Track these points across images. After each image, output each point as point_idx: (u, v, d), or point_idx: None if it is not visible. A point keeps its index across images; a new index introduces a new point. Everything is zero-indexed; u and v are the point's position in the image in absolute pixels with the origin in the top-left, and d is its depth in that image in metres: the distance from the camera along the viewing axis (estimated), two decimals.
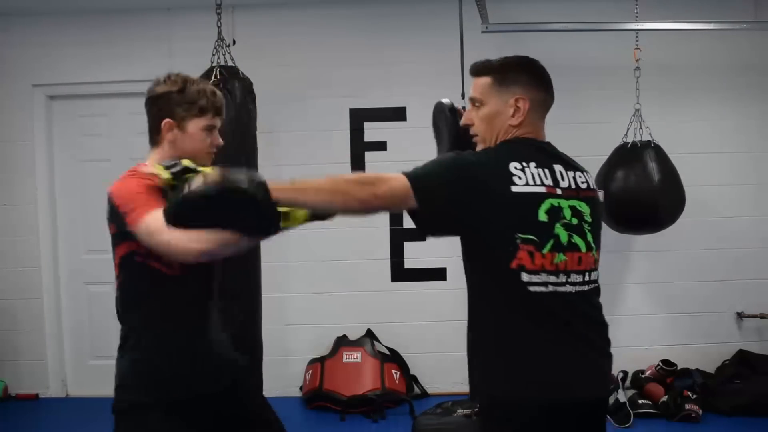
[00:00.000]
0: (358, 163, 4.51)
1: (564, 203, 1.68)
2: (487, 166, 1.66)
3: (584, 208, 1.72)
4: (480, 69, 1.81)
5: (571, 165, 1.77)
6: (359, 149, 4.53)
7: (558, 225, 1.67)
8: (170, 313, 1.87)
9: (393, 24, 4.49)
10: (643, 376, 4.15)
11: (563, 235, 1.67)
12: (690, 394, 3.95)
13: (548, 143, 1.80)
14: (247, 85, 3.57)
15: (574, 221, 1.69)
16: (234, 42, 3.81)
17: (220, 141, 1.98)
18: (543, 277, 1.64)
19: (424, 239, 1.84)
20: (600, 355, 1.76)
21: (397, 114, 4.51)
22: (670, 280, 4.45)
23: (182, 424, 1.85)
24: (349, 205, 1.65)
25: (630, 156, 3.86)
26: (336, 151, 4.51)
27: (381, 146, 4.50)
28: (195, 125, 1.91)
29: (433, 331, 4.49)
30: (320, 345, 4.46)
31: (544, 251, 1.64)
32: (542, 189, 1.66)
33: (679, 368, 4.14)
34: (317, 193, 1.64)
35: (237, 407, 1.99)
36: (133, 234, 1.76)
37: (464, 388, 4.01)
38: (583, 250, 1.70)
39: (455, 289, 4.30)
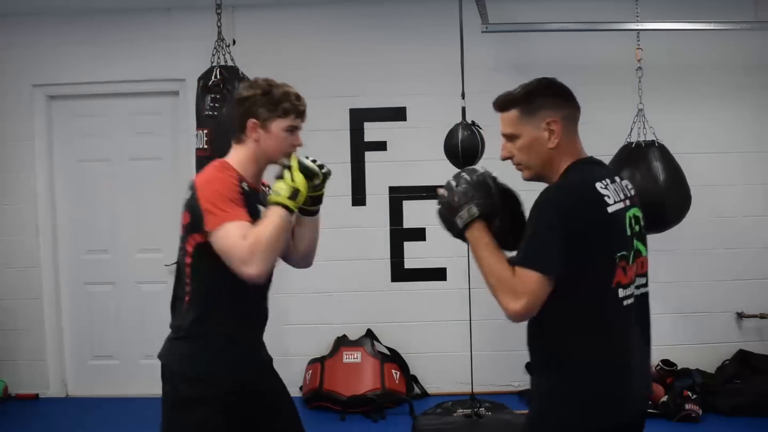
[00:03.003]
0: (358, 163, 4.51)
1: (631, 213, 1.75)
2: (578, 196, 1.68)
3: (639, 214, 1.80)
4: (503, 104, 1.80)
5: (620, 175, 1.83)
6: (359, 149, 4.53)
7: (634, 235, 1.74)
8: (238, 303, 2.05)
9: (393, 24, 4.49)
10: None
11: (637, 244, 1.74)
12: (690, 394, 3.95)
13: (597, 159, 1.84)
14: None
15: (638, 228, 1.77)
16: (234, 42, 3.81)
17: (301, 141, 2.13)
18: (631, 290, 1.70)
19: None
20: (649, 356, 1.84)
21: (397, 114, 4.50)
22: (670, 280, 4.45)
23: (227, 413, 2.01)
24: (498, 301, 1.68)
25: (634, 155, 3.84)
26: (336, 151, 4.51)
27: (381, 146, 4.50)
28: (278, 126, 2.05)
29: (433, 331, 4.49)
30: (320, 345, 4.46)
31: (631, 264, 1.70)
32: (622, 204, 1.72)
33: (679, 368, 4.14)
34: (481, 268, 1.72)
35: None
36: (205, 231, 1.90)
37: (464, 388, 4.02)
38: (644, 254, 1.79)
39: (455, 289, 4.34)
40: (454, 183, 1.80)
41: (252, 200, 2.02)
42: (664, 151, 3.84)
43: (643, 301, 1.77)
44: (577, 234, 1.62)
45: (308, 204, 2.14)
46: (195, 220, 1.93)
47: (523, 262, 1.64)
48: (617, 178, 1.78)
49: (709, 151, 4.42)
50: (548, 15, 4.32)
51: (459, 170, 1.85)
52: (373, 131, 4.52)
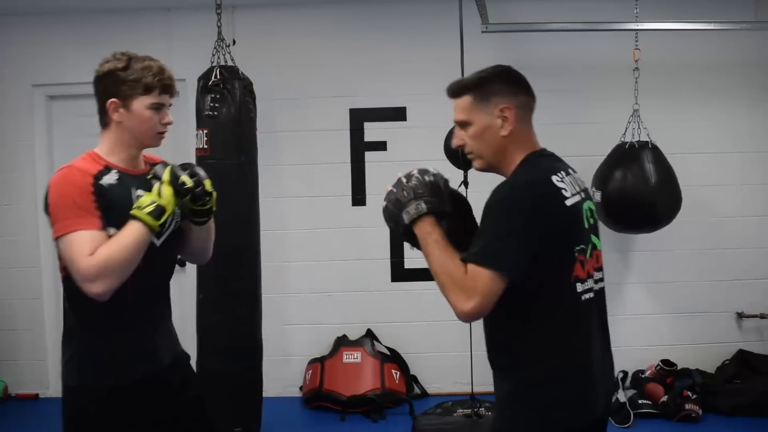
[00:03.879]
0: (358, 163, 4.51)
1: (586, 206, 1.72)
2: (535, 190, 1.63)
3: (593, 207, 1.77)
4: (457, 89, 1.76)
5: (572, 168, 1.79)
6: (359, 149, 4.53)
7: (590, 229, 1.72)
8: (127, 302, 1.86)
9: (393, 24, 4.49)
10: (643, 376, 4.15)
11: (593, 238, 1.72)
12: (690, 394, 3.95)
13: (550, 151, 1.80)
14: (247, 85, 3.58)
15: (592, 221, 1.74)
16: (234, 42, 3.81)
17: (170, 119, 1.93)
18: (589, 284, 1.68)
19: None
20: (611, 356, 1.82)
21: (397, 114, 4.51)
22: (670, 280, 4.45)
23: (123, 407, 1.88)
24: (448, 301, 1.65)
25: (628, 156, 3.86)
26: (336, 151, 4.51)
27: (381, 146, 4.50)
28: (140, 104, 1.87)
29: (433, 331, 4.49)
30: (320, 345, 4.46)
31: (587, 257, 1.68)
32: (578, 197, 1.69)
33: (679, 368, 4.14)
34: (431, 266, 1.68)
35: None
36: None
37: (464, 388, 4.01)
38: (599, 247, 1.76)
39: None
40: (404, 180, 1.76)
41: (123, 187, 1.85)
42: (657, 153, 3.86)
43: (600, 295, 1.75)
44: (536, 230, 1.58)
45: (193, 215, 1.97)
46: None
47: (475, 259, 1.58)
48: (570, 171, 1.75)
49: (709, 151, 4.42)
50: (548, 15, 4.32)
51: (411, 169, 1.80)
52: (373, 131, 4.52)
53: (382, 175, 4.48)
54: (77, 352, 1.91)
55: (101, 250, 1.73)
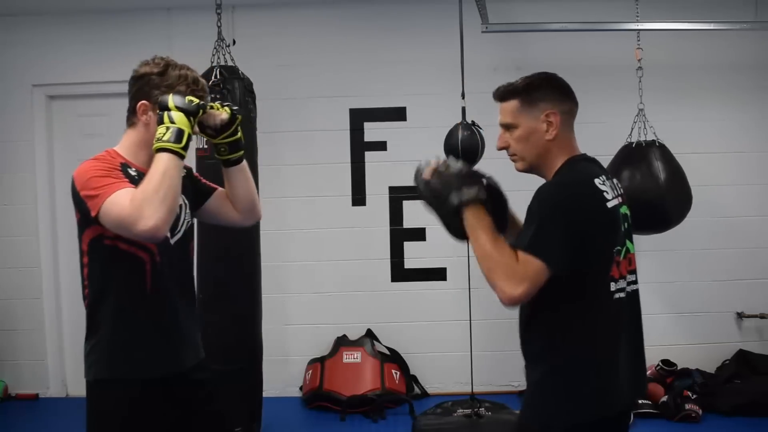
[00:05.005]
0: (358, 163, 4.51)
1: (623, 210, 1.79)
2: (581, 191, 1.70)
3: (628, 212, 1.83)
4: (505, 93, 1.83)
5: (610, 174, 1.86)
6: (359, 149, 4.53)
7: (625, 233, 1.78)
8: (140, 298, 1.87)
9: (393, 24, 4.49)
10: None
11: (627, 241, 1.78)
12: (690, 394, 3.95)
13: (591, 156, 1.86)
14: (247, 85, 3.57)
15: (626, 225, 1.80)
16: (234, 42, 3.81)
17: (197, 129, 1.93)
18: (621, 284, 1.73)
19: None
20: (643, 354, 1.86)
21: (397, 114, 4.51)
22: (670, 280, 4.45)
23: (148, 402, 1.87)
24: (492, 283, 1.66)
25: (635, 155, 3.84)
26: (336, 151, 4.51)
27: (381, 146, 4.50)
28: None
29: (433, 331, 4.49)
30: (320, 345, 4.46)
31: (622, 258, 1.74)
32: (617, 201, 1.75)
33: (679, 368, 4.14)
34: (478, 250, 1.69)
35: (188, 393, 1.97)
36: (94, 220, 1.76)
37: (464, 388, 4.01)
38: (633, 251, 1.83)
39: (455, 289, 4.34)
40: (453, 163, 1.79)
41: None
42: (664, 151, 3.83)
43: (634, 297, 1.81)
44: (579, 230, 1.65)
45: (226, 153, 2.00)
46: (82, 214, 1.81)
47: (527, 248, 1.64)
48: (609, 176, 1.82)
49: (709, 151, 4.41)
50: (548, 15, 4.32)
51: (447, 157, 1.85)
52: (373, 131, 4.52)
53: (382, 175, 4.50)
54: (96, 345, 1.90)
55: (136, 191, 1.73)
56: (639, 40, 3.94)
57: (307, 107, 4.51)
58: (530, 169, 1.84)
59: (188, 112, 1.80)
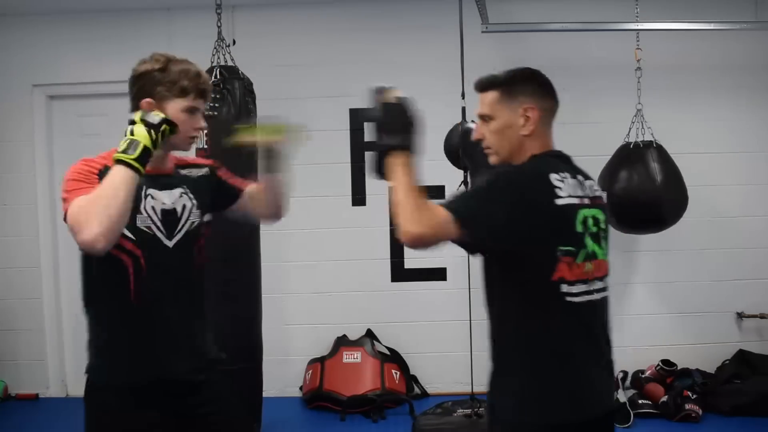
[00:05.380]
0: (358, 163, 4.51)
1: (588, 213, 1.73)
2: (530, 180, 1.68)
3: (600, 216, 1.78)
4: (486, 84, 1.81)
5: (585, 174, 1.82)
6: (359, 149, 4.52)
7: (587, 235, 1.71)
8: (122, 304, 1.83)
9: (393, 24, 4.49)
10: (643, 376, 4.15)
11: (590, 245, 1.72)
12: (690, 394, 3.95)
13: (565, 153, 1.83)
14: (247, 85, 3.57)
15: (595, 229, 1.74)
16: (234, 42, 3.81)
17: (202, 124, 1.92)
18: (579, 287, 1.68)
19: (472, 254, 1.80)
20: (611, 362, 1.81)
21: None
22: (670, 280, 4.45)
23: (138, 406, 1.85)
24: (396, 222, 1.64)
25: (632, 156, 3.85)
26: (336, 151, 4.51)
27: None
28: (175, 106, 1.85)
29: (433, 331, 4.49)
30: (320, 345, 4.46)
31: (579, 261, 1.68)
32: (576, 200, 1.70)
33: (679, 368, 4.13)
34: (395, 194, 1.65)
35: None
36: None
37: (464, 388, 4.01)
38: (601, 257, 1.76)
39: (455, 289, 4.33)
40: (400, 101, 1.74)
41: (148, 185, 1.84)
42: (661, 152, 3.85)
43: (600, 304, 1.75)
44: (515, 216, 1.61)
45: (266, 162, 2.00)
46: None
47: (445, 203, 1.63)
48: (581, 177, 1.77)
49: (709, 151, 4.41)
50: (548, 15, 4.32)
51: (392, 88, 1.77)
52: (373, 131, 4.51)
53: None
54: (88, 350, 1.90)
55: (83, 200, 1.67)
56: (638, 41, 3.95)
57: (307, 107, 4.51)
58: (504, 163, 1.81)
59: (150, 125, 1.75)
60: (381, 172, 1.71)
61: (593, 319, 1.74)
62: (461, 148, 3.60)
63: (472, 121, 3.74)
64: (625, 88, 4.02)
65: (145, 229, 1.83)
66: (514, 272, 1.68)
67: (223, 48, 3.61)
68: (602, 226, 1.77)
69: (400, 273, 4.54)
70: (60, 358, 4.63)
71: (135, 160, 1.69)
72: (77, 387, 4.61)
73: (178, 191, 1.92)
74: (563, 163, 1.78)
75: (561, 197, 1.66)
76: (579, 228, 1.69)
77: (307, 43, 4.50)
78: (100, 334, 1.87)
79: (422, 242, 1.61)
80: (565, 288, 1.66)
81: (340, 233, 4.52)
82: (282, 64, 4.46)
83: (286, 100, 4.45)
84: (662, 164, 3.80)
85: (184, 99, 1.86)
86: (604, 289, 1.77)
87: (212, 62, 3.58)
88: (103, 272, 1.83)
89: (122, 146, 1.71)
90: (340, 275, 4.53)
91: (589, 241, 1.71)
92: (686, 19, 3.96)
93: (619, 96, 4.13)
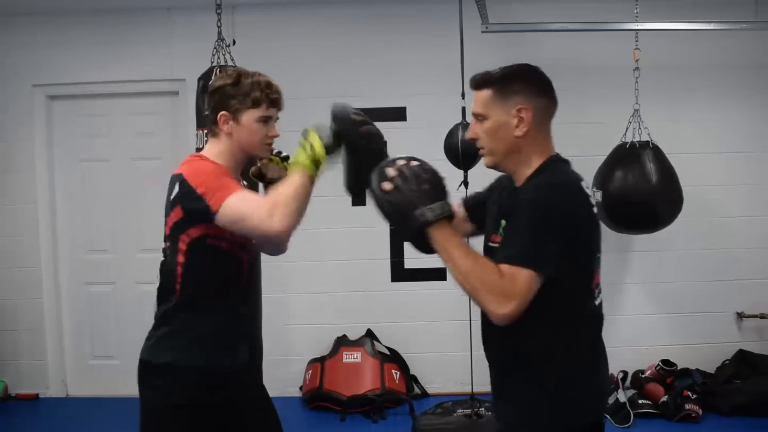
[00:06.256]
0: None
1: None
2: (574, 198, 1.63)
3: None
4: (479, 82, 1.73)
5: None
6: None
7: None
8: (237, 294, 2.01)
9: (393, 24, 4.49)
10: (643, 376, 4.15)
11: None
12: (690, 394, 3.95)
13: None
14: None
15: None
16: (234, 42, 3.81)
17: (277, 132, 2.06)
18: (599, 289, 1.72)
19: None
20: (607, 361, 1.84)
21: (397, 114, 4.50)
22: (670, 280, 4.45)
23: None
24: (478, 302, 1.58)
25: (628, 156, 3.86)
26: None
27: None
28: (249, 117, 1.97)
29: (433, 331, 4.49)
30: (320, 345, 4.46)
31: (599, 266, 1.71)
32: (596, 207, 1.72)
33: (679, 368, 4.14)
34: (456, 270, 1.58)
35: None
36: (209, 216, 1.83)
37: (464, 388, 4.01)
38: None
39: (455, 289, 4.29)
40: (415, 169, 1.62)
41: None
42: (657, 152, 3.85)
43: (601, 306, 1.78)
44: (572, 235, 1.59)
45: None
46: (190, 213, 1.88)
47: (514, 261, 1.54)
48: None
49: (709, 152, 4.41)
50: (548, 15, 4.32)
51: (397, 158, 1.67)
52: None
53: None
54: (176, 333, 1.97)
55: (273, 195, 1.86)
56: (637, 41, 3.95)
57: (306, 107, 4.49)
58: (498, 165, 1.75)
59: (328, 149, 1.93)
60: (427, 251, 1.69)
61: (600, 322, 1.77)
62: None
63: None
64: (623, 88, 4.02)
65: None
66: (562, 285, 1.60)
67: (223, 48, 3.61)
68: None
69: (400, 273, 4.54)
70: (60, 358, 4.63)
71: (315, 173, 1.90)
72: (77, 387, 4.64)
73: None
74: (573, 168, 1.75)
75: (593, 205, 1.67)
76: (600, 233, 1.72)
77: (307, 44, 4.50)
78: (204, 322, 1.96)
79: (519, 314, 1.54)
80: (596, 294, 1.69)
81: (340, 233, 4.52)
82: (282, 64, 4.44)
83: (286, 100, 4.44)
84: (658, 165, 3.81)
85: (257, 109, 1.99)
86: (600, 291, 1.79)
87: (212, 62, 3.58)
88: (219, 266, 1.96)
89: (305, 159, 1.88)
90: (340, 275, 4.53)
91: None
92: (686, 19, 3.95)
93: (616, 96, 4.13)
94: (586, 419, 1.70)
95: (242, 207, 1.82)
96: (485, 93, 1.72)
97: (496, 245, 1.69)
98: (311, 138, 1.91)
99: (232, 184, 1.87)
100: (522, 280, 1.53)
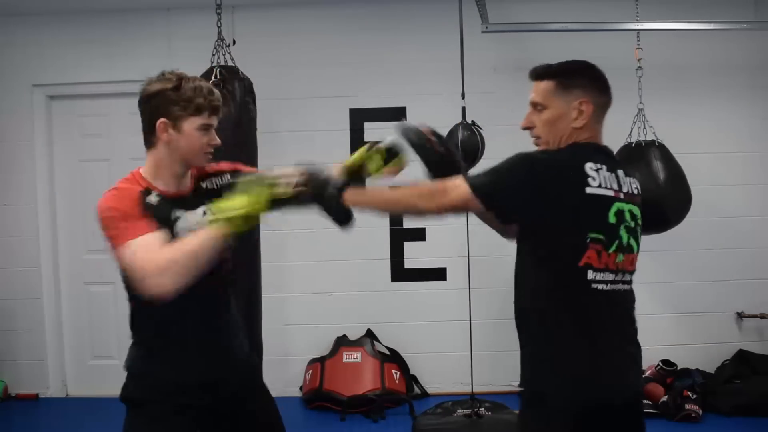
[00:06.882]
0: None
1: (625, 207, 1.76)
2: (562, 164, 1.69)
3: (637, 212, 1.82)
4: (542, 73, 1.83)
5: (627, 171, 1.84)
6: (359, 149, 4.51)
7: (622, 227, 1.74)
8: (184, 312, 1.91)
9: (393, 24, 4.49)
10: (643, 376, 4.14)
11: (625, 237, 1.75)
12: (690, 394, 3.95)
13: (609, 148, 1.86)
14: (247, 85, 3.57)
15: (632, 224, 1.78)
16: (234, 42, 3.81)
17: (218, 141, 1.93)
18: (605, 276, 1.71)
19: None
20: (638, 350, 1.87)
21: (397, 114, 4.49)
22: (670, 280, 4.45)
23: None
24: (416, 215, 1.76)
25: (634, 155, 3.84)
26: (336, 151, 4.50)
27: None
28: (191, 124, 1.85)
29: (433, 331, 4.49)
30: (320, 345, 4.46)
31: (610, 251, 1.71)
32: (611, 193, 1.72)
33: (679, 368, 4.13)
34: (387, 204, 1.84)
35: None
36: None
37: (464, 388, 4.01)
38: (635, 251, 1.81)
39: (455, 289, 4.34)
40: (309, 169, 1.95)
41: (162, 209, 1.85)
42: (664, 151, 3.84)
43: (626, 296, 1.80)
44: (537, 193, 1.65)
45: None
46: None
47: (465, 178, 1.70)
48: (621, 173, 1.79)
49: (709, 151, 4.42)
50: (548, 15, 4.32)
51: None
52: (373, 131, 4.51)
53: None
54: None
55: (165, 249, 1.75)
56: (639, 40, 3.95)
57: (306, 107, 4.51)
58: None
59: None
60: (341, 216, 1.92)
61: (617, 309, 1.77)
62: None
63: (472, 121, 3.74)
64: (627, 88, 4.01)
65: None
66: (544, 253, 1.70)
67: (223, 48, 3.61)
68: (639, 222, 1.81)
69: (400, 273, 4.55)
70: (60, 358, 4.63)
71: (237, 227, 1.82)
72: (77, 387, 4.63)
73: (200, 210, 1.93)
74: (605, 156, 1.79)
75: (591, 186, 1.67)
76: (612, 219, 1.71)
77: (307, 43, 4.50)
78: (153, 337, 2.03)
79: (443, 212, 1.73)
80: (591, 275, 1.69)
81: (340, 233, 4.48)
82: (282, 64, 4.46)
83: (286, 100, 4.47)
84: (665, 163, 3.78)
85: (199, 117, 1.86)
86: (631, 282, 1.81)
87: (212, 62, 3.58)
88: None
89: (224, 213, 1.79)
90: (340, 275, 4.53)
91: (624, 234, 1.74)
92: (686, 19, 3.95)
93: (620, 95, 4.08)
94: (578, 396, 1.68)
95: (134, 258, 1.73)
96: (546, 84, 1.80)
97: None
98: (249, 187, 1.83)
99: (131, 224, 1.76)
100: (456, 189, 1.69)
